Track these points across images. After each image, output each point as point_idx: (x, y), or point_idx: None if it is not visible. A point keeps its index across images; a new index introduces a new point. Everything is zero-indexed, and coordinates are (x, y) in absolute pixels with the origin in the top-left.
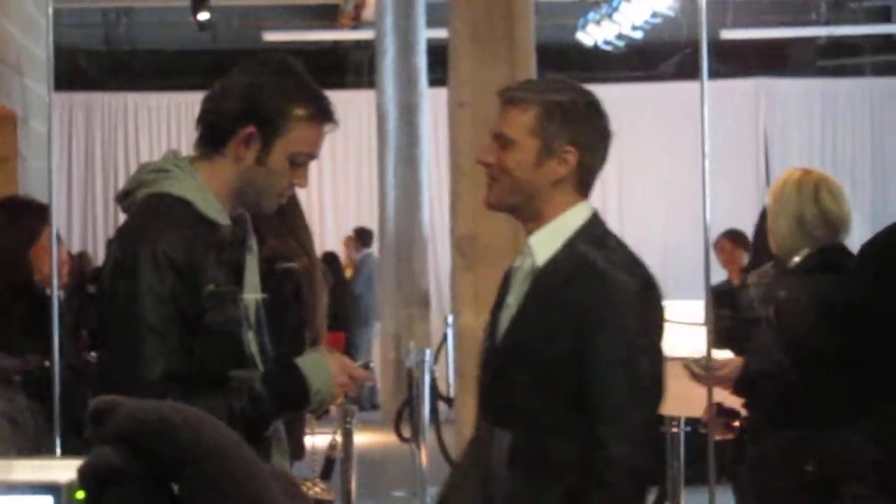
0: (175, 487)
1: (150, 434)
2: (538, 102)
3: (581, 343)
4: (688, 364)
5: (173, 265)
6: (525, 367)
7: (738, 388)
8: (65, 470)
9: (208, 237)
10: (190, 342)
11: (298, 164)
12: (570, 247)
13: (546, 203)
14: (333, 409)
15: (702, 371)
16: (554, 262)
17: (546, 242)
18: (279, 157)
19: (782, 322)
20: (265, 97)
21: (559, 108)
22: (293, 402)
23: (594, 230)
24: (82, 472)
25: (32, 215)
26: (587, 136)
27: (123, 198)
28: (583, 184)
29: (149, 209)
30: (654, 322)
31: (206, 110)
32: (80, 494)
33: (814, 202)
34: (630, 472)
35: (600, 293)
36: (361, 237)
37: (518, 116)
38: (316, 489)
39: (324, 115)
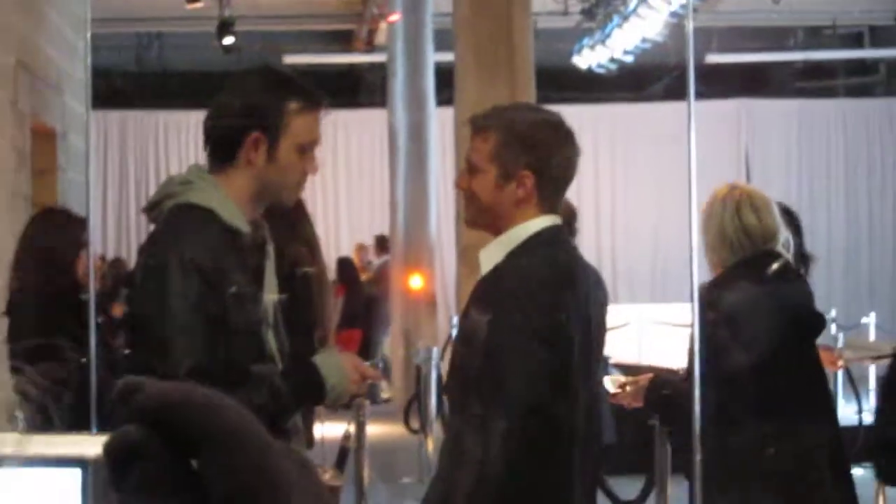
0: (194, 463)
1: (173, 413)
2: (497, 130)
3: (485, 335)
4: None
5: (199, 269)
6: (455, 366)
7: (647, 404)
8: (94, 446)
9: (231, 243)
10: (215, 341)
11: (305, 151)
12: (511, 256)
13: (510, 221)
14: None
15: (615, 389)
16: (494, 271)
17: (492, 254)
18: (287, 152)
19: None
20: (261, 102)
21: (516, 136)
22: (311, 397)
23: (541, 239)
24: (108, 447)
25: (78, 225)
26: (545, 160)
27: (151, 208)
28: (546, 200)
29: (176, 218)
30: (554, 308)
31: (210, 128)
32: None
33: (735, 217)
34: (517, 450)
35: (504, 284)
36: (381, 244)
37: (481, 144)
38: (326, 475)
39: (315, 102)
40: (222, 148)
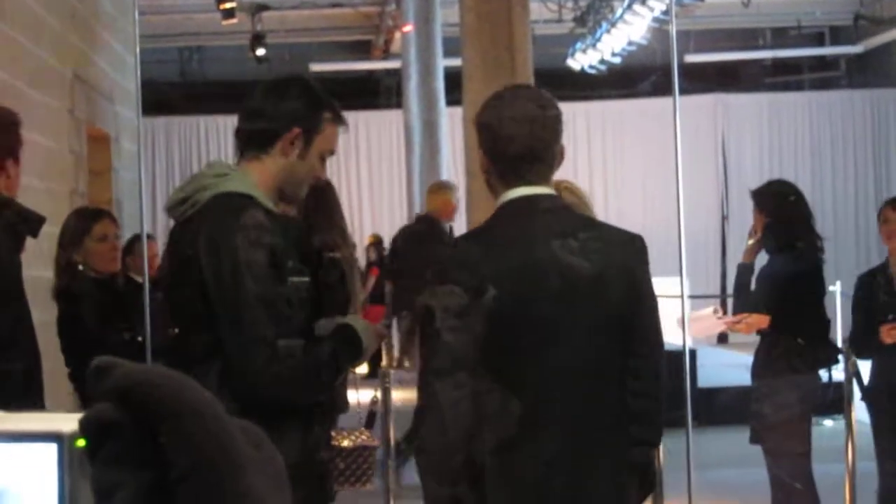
0: (159, 438)
1: (140, 391)
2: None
3: None
4: None
5: (265, 247)
6: None
7: None
8: (69, 422)
9: (277, 224)
10: (285, 312)
11: (324, 159)
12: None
13: (496, 196)
14: (363, 370)
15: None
16: None
17: None
18: (315, 153)
19: None
20: (304, 104)
21: (475, 125)
22: (354, 356)
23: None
24: (83, 423)
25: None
26: (487, 142)
27: (180, 203)
28: (504, 175)
29: (225, 204)
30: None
31: (250, 119)
32: (81, 443)
33: None
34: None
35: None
36: None
37: None
38: (363, 437)
39: (341, 118)
40: (263, 137)
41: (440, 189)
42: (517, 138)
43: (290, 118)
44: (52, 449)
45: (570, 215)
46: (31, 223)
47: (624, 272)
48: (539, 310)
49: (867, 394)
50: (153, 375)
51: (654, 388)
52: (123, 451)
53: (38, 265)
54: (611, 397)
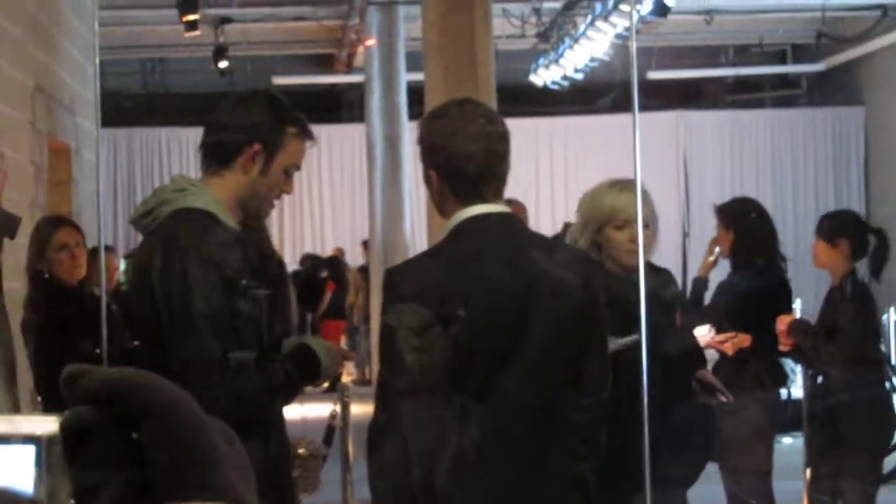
0: (135, 435)
1: (117, 392)
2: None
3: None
4: None
5: (216, 264)
6: None
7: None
8: (45, 424)
9: (232, 241)
10: (235, 331)
11: (289, 174)
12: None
13: (448, 215)
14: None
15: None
16: None
17: None
18: (277, 169)
19: None
20: (267, 119)
21: (421, 144)
22: (311, 376)
23: (451, 235)
24: (62, 426)
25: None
26: (440, 161)
27: (143, 217)
28: (460, 193)
29: (181, 221)
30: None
31: (213, 133)
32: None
33: None
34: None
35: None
36: (366, 246)
37: None
38: (311, 447)
39: (307, 132)
40: (223, 152)
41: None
42: (474, 156)
43: (251, 133)
44: (29, 451)
45: (527, 234)
46: (8, 225)
47: (580, 290)
48: (498, 328)
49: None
50: (129, 375)
51: (599, 406)
52: (104, 451)
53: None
54: (562, 415)
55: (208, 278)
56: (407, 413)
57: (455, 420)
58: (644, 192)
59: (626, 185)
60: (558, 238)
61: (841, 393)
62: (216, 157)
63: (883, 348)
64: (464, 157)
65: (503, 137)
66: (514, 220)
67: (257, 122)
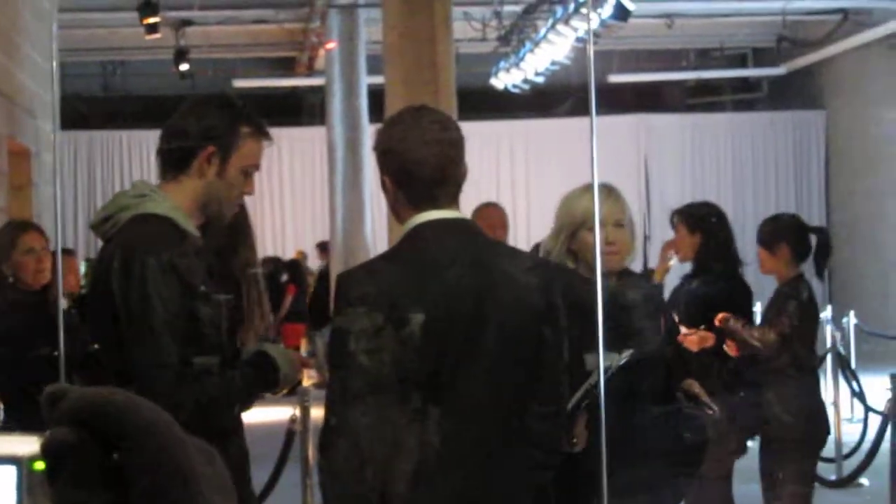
0: (116, 457)
1: (96, 413)
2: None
3: None
4: None
5: (175, 270)
6: None
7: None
8: (25, 444)
9: (191, 247)
10: (192, 336)
11: (248, 174)
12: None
13: (403, 220)
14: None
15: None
16: None
17: None
18: (234, 170)
19: None
20: (219, 121)
21: (376, 150)
22: (268, 384)
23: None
24: (43, 447)
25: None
26: (394, 166)
27: (103, 222)
28: (414, 199)
29: (141, 226)
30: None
31: (168, 139)
32: (40, 465)
33: None
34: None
35: None
36: (323, 248)
37: None
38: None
39: (263, 132)
40: (178, 157)
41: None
42: (428, 161)
43: (203, 136)
44: (10, 471)
45: (482, 240)
46: None
47: (537, 295)
48: (453, 334)
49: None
50: (109, 396)
51: (557, 413)
52: (85, 471)
53: None
54: (517, 422)
55: (167, 284)
56: (359, 416)
57: (410, 424)
58: (619, 195)
59: (601, 189)
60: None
61: (776, 399)
62: (172, 162)
63: (830, 353)
64: (416, 163)
65: (457, 143)
66: (470, 225)
67: (210, 126)
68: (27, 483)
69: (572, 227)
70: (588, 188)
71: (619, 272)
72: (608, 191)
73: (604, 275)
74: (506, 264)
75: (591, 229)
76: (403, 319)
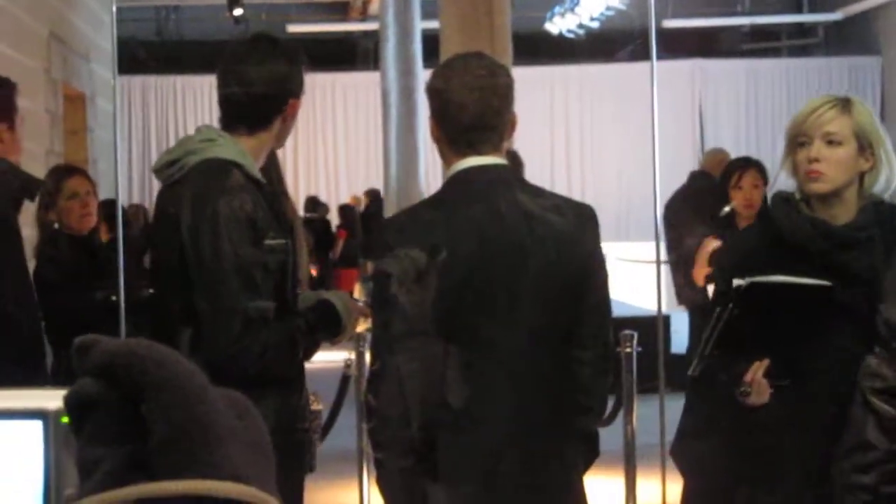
0: (143, 409)
1: (121, 364)
2: None
3: None
4: None
5: (247, 216)
6: None
7: None
8: (53, 399)
9: (260, 193)
10: (263, 282)
11: None
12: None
13: (448, 165)
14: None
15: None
16: None
17: None
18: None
19: None
20: (292, 71)
21: (426, 93)
22: (332, 332)
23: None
24: (66, 400)
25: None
26: (438, 109)
27: (169, 165)
28: (455, 143)
29: (211, 171)
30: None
31: (246, 96)
32: (65, 419)
33: None
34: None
35: None
36: (373, 196)
37: None
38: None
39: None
40: (261, 113)
41: (718, 152)
42: (467, 106)
43: (284, 89)
44: (37, 426)
45: (521, 185)
46: (29, 186)
47: (575, 242)
48: (492, 279)
49: None
50: (135, 348)
51: (602, 358)
52: (104, 426)
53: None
54: (559, 367)
55: (238, 229)
56: (402, 361)
57: (452, 367)
58: (850, 107)
59: (834, 100)
60: None
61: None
62: (252, 118)
63: None
64: (457, 106)
65: (502, 91)
66: (510, 171)
67: (286, 76)
68: (54, 437)
69: (790, 142)
70: (823, 98)
71: (824, 196)
72: (835, 101)
73: (802, 199)
74: (545, 207)
75: (802, 144)
76: (444, 263)
